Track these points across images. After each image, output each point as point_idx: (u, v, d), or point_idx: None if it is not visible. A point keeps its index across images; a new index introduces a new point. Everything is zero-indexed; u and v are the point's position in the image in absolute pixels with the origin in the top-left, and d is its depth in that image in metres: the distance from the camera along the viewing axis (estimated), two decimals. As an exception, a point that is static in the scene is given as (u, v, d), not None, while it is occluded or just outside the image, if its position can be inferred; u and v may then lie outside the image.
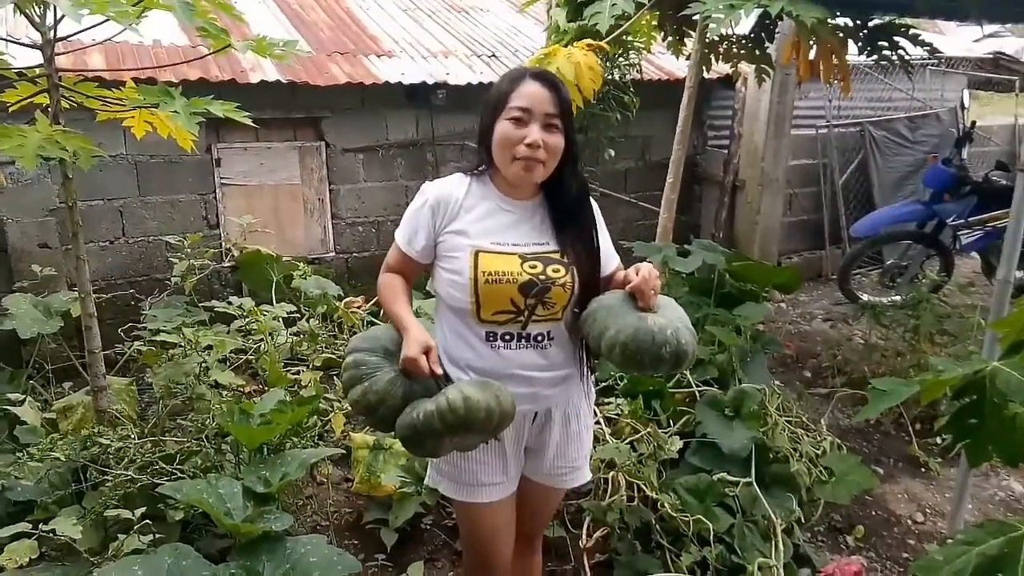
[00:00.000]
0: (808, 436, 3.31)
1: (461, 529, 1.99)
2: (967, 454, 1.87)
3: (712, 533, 2.61)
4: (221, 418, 2.75)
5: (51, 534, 2.20)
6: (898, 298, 5.26)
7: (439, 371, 1.66)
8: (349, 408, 3.25)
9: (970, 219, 5.36)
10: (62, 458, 2.53)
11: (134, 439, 2.68)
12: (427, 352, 1.66)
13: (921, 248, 5.58)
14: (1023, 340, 1.64)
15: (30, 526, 2.24)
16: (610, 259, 1.90)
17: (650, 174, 6.18)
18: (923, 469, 3.57)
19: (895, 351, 4.30)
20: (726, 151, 6.17)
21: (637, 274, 1.69)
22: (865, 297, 5.60)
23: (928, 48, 3.87)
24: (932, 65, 7.02)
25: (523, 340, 1.74)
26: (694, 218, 6.56)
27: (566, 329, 1.79)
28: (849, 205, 6.59)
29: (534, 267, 1.71)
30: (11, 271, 4.21)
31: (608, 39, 3.71)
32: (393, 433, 1.66)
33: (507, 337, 1.73)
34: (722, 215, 6.21)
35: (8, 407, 3.19)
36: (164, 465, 2.61)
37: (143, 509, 2.31)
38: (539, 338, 1.75)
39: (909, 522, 3.20)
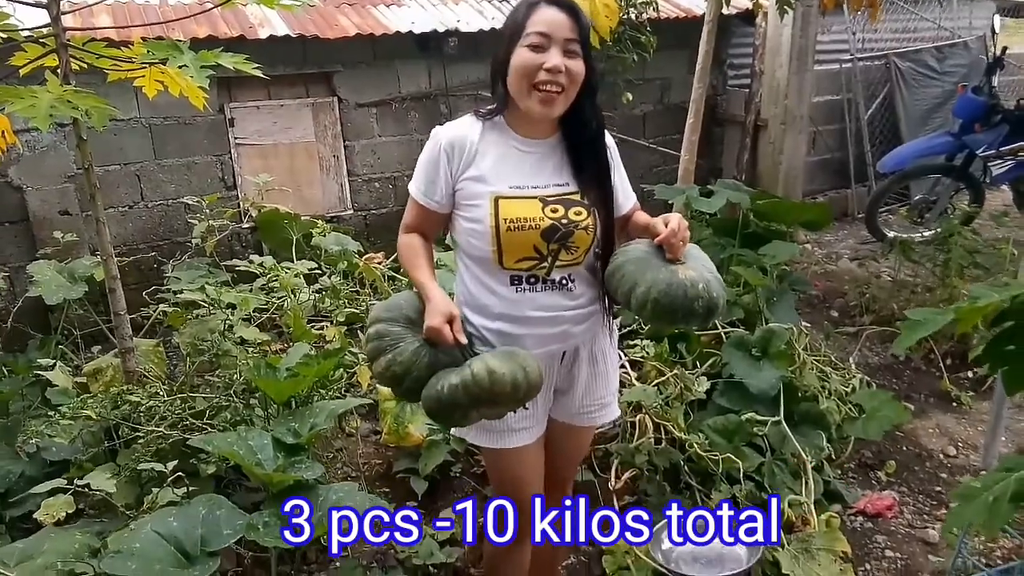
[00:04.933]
0: (837, 374, 3.27)
1: (491, 477, 1.98)
2: (1004, 381, 1.83)
3: (741, 472, 2.60)
4: (248, 373, 2.76)
5: (87, 489, 2.23)
6: (928, 234, 5.15)
7: (463, 340, 1.63)
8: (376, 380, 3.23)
9: (1001, 149, 5.20)
10: (93, 416, 2.56)
11: (164, 397, 2.70)
12: (451, 321, 1.63)
13: (950, 182, 5.44)
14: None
15: (66, 483, 2.27)
16: (627, 198, 1.86)
17: (669, 118, 6.05)
18: (955, 404, 3.53)
19: (925, 287, 4.22)
20: (747, 90, 6.00)
21: (666, 226, 1.64)
22: (892, 234, 5.48)
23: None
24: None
25: (548, 283, 1.72)
26: (715, 161, 6.41)
27: (587, 271, 1.77)
28: (875, 141, 6.41)
29: (555, 211, 1.68)
30: (34, 239, 4.25)
31: (623, -25, 3.59)
32: (420, 403, 1.62)
33: (532, 280, 1.71)
34: (744, 157, 6.07)
35: (39, 372, 3.24)
36: (194, 421, 2.63)
37: (175, 463, 2.34)
38: (563, 281, 1.73)
39: (941, 456, 3.17)
